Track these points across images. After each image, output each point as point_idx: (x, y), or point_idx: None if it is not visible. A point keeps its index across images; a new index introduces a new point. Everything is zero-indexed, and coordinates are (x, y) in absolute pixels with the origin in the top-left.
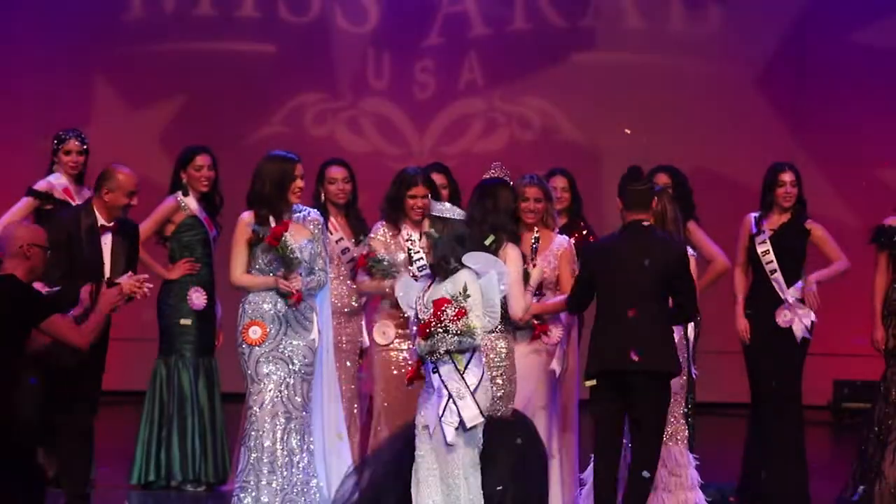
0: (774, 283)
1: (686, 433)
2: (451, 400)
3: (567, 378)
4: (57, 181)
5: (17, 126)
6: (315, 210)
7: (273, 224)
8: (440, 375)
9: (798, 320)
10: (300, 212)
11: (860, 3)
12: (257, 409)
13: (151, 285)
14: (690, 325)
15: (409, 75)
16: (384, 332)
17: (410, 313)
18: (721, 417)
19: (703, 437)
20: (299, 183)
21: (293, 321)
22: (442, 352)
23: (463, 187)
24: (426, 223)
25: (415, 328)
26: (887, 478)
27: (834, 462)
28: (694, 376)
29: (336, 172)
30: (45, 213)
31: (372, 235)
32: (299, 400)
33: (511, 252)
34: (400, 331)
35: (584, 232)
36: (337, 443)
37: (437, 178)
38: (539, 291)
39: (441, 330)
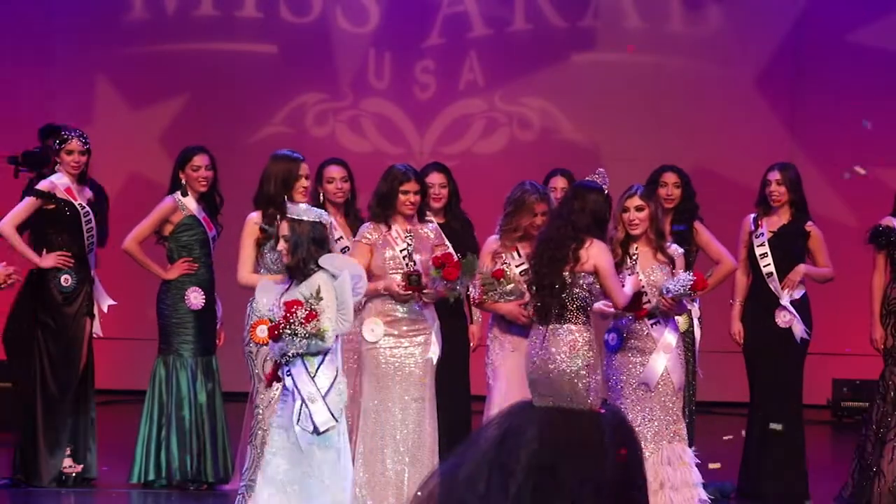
0: (770, 285)
1: (685, 431)
2: (303, 404)
3: None
4: (59, 181)
5: (19, 126)
6: (324, 211)
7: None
8: (292, 378)
9: (797, 321)
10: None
11: (859, 3)
12: (264, 409)
13: (20, 278)
14: (696, 325)
15: (409, 76)
16: (372, 329)
17: (269, 315)
18: (721, 416)
19: (703, 436)
20: (304, 182)
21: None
22: (291, 354)
23: (463, 187)
24: (285, 226)
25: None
26: (886, 476)
27: (833, 461)
28: (699, 376)
29: (334, 172)
30: (47, 213)
31: (357, 239)
32: None
33: (595, 248)
34: (388, 329)
35: None
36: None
37: (438, 178)
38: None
39: (290, 332)
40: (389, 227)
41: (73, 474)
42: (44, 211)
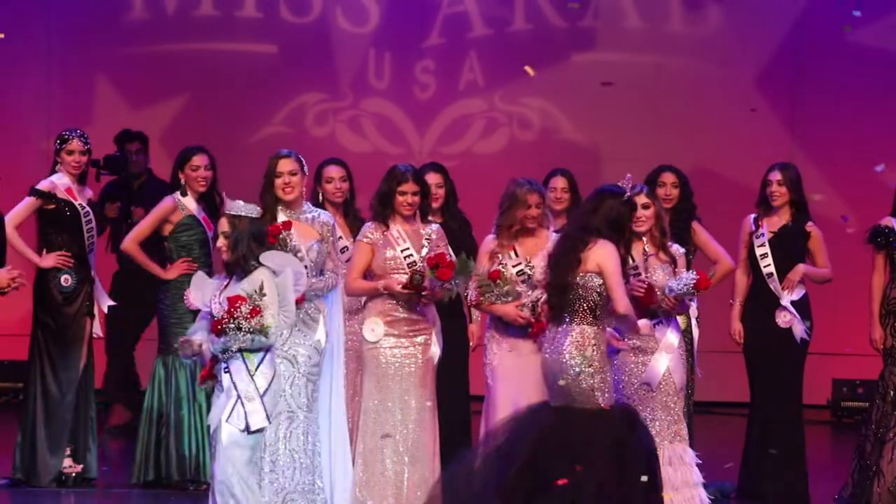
0: (770, 285)
1: (686, 431)
2: (238, 401)
3: None
4: (59, 181)
5: (19, 126)
6: (326, 212)
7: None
8: (230, 375)
9: (797, 321)
10: (310, 213)
11: (859, 3)
12: None
13: (25, 282)
14: (694, 324)
15: (409, 76)
16: (373, 329)
17: (205, 311)
18: (721, 416)
19: (702, 437)
20: (285, 179)
21: (299, 321)
22: (234, 349)
23: (463, 187)
24: (224, 222)
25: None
26: (886, 476)
27: (833, 461)
28: (698, 375)
29: (332, 171)
30: (47, 213)
31: (359, 238)
32: (304, 400)
33: (598, 250)
34: (388, 329)
35: None
36: (343, 444)
37: (434, 178)
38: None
39: (234, 327)
40: (388, 227)
41: (73, 474)
42: (44, 211)
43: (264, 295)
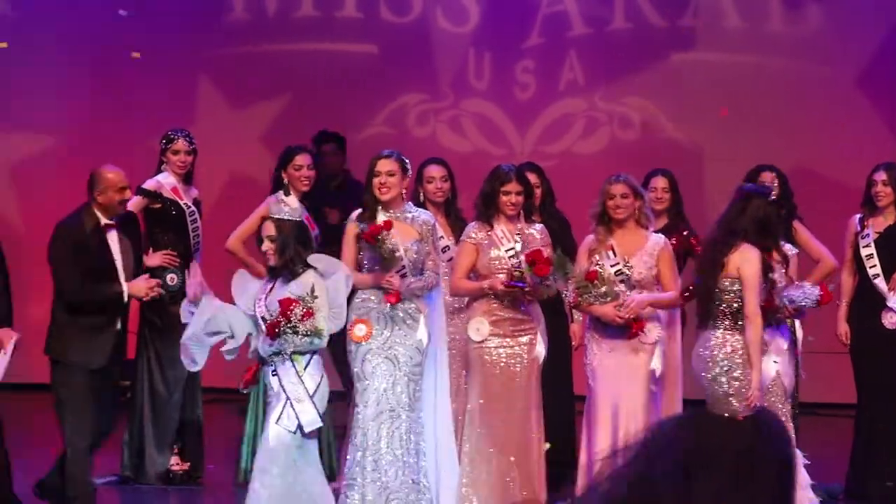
0: (877, 286)
1: (794, 434)
2: (288, 403)
3: (670, 376)
4: (165, 180)
5: (126, 126)
6: (426, 212)
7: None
8: (279, 378)
9: None
10: (410, 212)
11: None
12: (363, 408)
13: (162, 291)
14: (798, 325)
15: (509, 75)
16: (478, 328)
17: (249, 314)
18: (826, 418)
19: (809, 438)
20: (382, 179)
21: (399, 321)
22: (289, 352)
23: (563, 187)
24: (270, 226)
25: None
26: None
27: None
28: (802, 377)
29: (434, 171)
30: (153, 212)
31: (463, 238)
32: (406, 400)
33: (743, 254)
34: (493, 328)
35: (685, 233)
36: (448, 443)
37: (530, 178)
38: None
39: (290, 330)
40: (492, 227)
41: (180, 472)
42: (150, 210)
43: (316, 297)
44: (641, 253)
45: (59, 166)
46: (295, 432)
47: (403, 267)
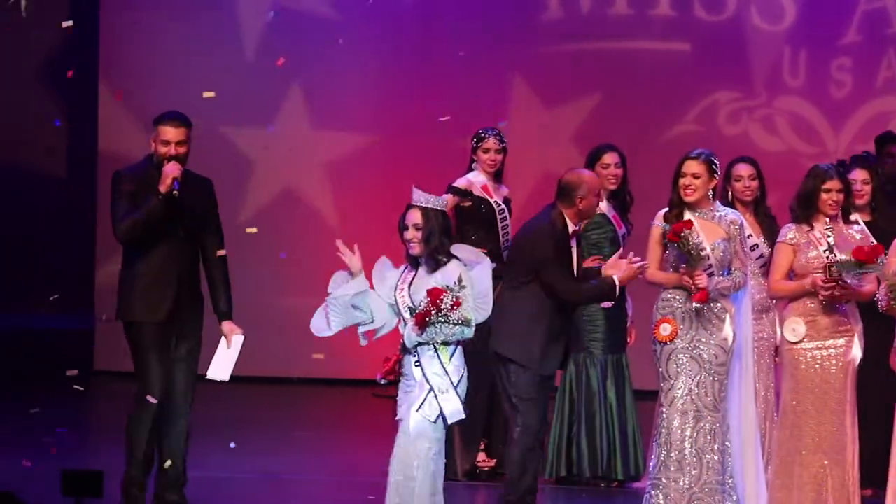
0: None
1: None
2: (431, 393)
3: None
4: (475, 178)
5: (439, 125)
6: (734, 211)
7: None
8: (423, 369)
9: None
10: (717, 211)
11: None
12: (667, 407)
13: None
14: None
15: (825, 73)
16: (794, 328)
17: (388, 302)
18: None
19: None
20: (687, 180)
21: (705, 320)
22: (439, 342)
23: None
24: (418, 214)
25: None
26: None
27: None
28: None
29: (742, 170)
30: (464, 210)
31: (780, 240)
32: (710, 399)
33: None
34: (809, 330)
35: None
36: (755, 443)
37: (861, 175)
38: None
39: (441, 319)
40: (812, 227)
41: (486, 469)
42: (460, 208)
43: (463, 287)
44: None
45: (372, 164)
46: (435, 421)
47: (710, 266)
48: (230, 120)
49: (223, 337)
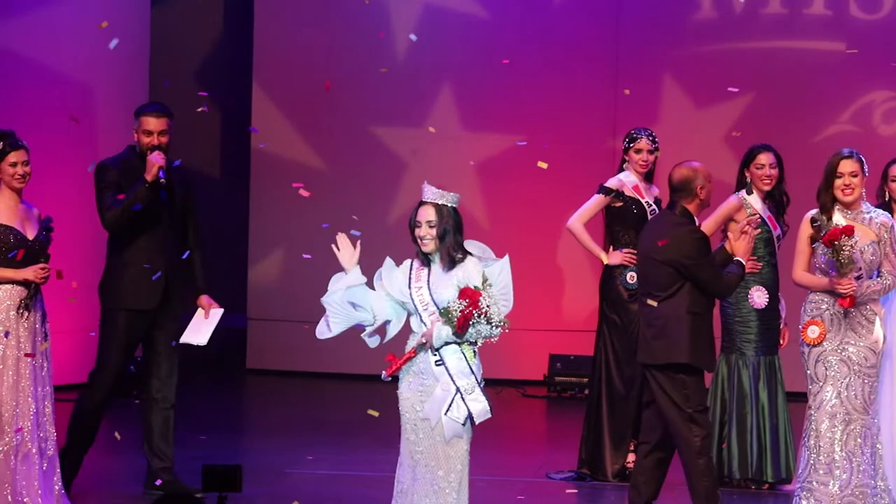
0: None
1: None
2: (458, 394)
3: None
4: (627, 178)
5: (587, 126)
6: (885, 213)
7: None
8: (447, 369)
9: None
10: (867, 213)
11: None
12: (816, 410)
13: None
14: None
15: None
16: None
17: (404, 300)
18: None
19: None
20: (846, 180)
21: (854, 322)
22: (479, 342)
23: None
24: (431, 210)
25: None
26: None
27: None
28: None
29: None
30: (614, 211)
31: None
32: (860, 402)
33: None
34: None
35: None
36: None
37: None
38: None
39: (484, 321)
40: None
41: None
42: (611, 208)
43: (490, 285)
44: None
45: (521, 165)
46: (464, 423)
47: (859, 269)
48: (381, 121)
49: (199, 308)
